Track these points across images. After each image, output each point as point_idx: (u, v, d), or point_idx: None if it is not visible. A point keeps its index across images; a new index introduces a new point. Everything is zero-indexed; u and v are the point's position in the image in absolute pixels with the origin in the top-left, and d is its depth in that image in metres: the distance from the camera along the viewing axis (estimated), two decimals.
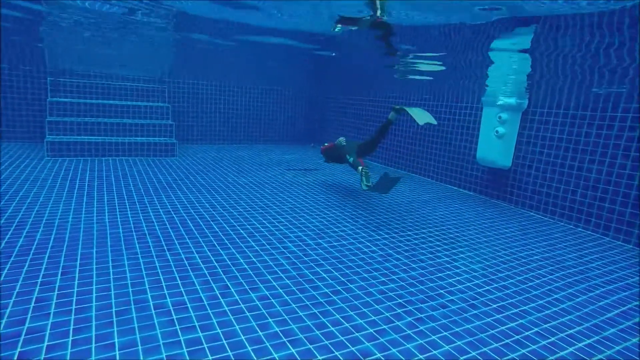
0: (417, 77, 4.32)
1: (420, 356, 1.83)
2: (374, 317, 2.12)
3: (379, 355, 1.81)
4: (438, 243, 3.27)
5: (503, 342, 1.98)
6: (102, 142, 5.67)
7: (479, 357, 1.85)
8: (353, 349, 1.85)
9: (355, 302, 2.25)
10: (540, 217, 4.28)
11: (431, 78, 4.10)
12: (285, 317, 2.06)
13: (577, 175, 3.99)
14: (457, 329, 2.07)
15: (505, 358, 1.86)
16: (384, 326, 2.05)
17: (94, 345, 1.73)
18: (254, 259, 2.71)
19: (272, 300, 2.21)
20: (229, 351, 1.76)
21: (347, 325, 2.03)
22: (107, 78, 6.57)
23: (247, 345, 1.81)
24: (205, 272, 2.48)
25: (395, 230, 3.51)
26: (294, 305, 2.17)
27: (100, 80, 6.53)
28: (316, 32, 2.48)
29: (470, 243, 3.32)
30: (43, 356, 1.64)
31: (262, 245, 2.95)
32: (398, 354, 1.83)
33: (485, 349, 1.92)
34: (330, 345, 1.85)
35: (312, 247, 2.99)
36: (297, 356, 1.76)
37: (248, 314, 2.06)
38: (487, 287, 2.56)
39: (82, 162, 5.33)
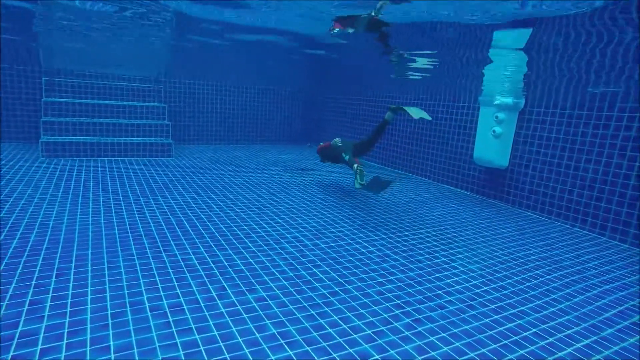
0: (414, 75, 4.31)
1: (419, 358, 1.82)
2: (372, 319, 2.11)
3: (377, 357, 1.80)
4: (436, 243, 3.26)
5: (501, 343, 1.98)
6: (97, 142, 5.63)
7: (477, 359, 1.84)
8: (351, 350, 1.83)
9: (353, 303, 2.24)
10: (537, 217, 4.28)
11: (428, 75, 4.10)
12: (283, 318, 2.05)
13: (574, 175, 4.00)
14: (455, 330, 2.06)
15: (503, 359, 1.86)
16: (382, 327, 2.04)
17: (89, 348, 1.71)
18: (251, 260, 2.69)
19: (270, 301, 2.20)
20: (226, 353, 1.74)
21: (345, 326, 2.02)
22: (102, 78, 6.52)
23: (244, 347, 1.80)
24: (202, 273, 2.46)
25: (393, 230, 3.50)
26: (291, 307, 2.16)
27: (96, 80, 6.48)
28: (313, 34, 2.47)
29: (467, 243, 3.32)
30: None
31: (259, 246, 2.94)
32: (396, 355, 1.82)
33: (483, 350, 1.91)
34: (328, 347, 1.84)
35: (310, 248, 2.97)
36: (295, 358, 1.75)
37: (245, 315, 2.04)
38: (485, 288, 2.56)
39: (77, 162, 5.28)
